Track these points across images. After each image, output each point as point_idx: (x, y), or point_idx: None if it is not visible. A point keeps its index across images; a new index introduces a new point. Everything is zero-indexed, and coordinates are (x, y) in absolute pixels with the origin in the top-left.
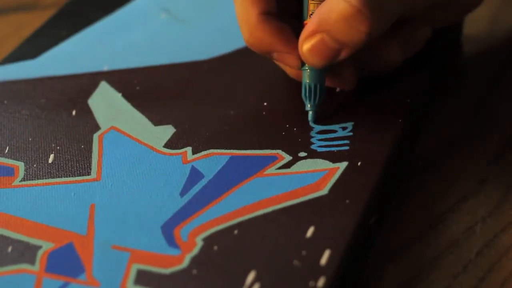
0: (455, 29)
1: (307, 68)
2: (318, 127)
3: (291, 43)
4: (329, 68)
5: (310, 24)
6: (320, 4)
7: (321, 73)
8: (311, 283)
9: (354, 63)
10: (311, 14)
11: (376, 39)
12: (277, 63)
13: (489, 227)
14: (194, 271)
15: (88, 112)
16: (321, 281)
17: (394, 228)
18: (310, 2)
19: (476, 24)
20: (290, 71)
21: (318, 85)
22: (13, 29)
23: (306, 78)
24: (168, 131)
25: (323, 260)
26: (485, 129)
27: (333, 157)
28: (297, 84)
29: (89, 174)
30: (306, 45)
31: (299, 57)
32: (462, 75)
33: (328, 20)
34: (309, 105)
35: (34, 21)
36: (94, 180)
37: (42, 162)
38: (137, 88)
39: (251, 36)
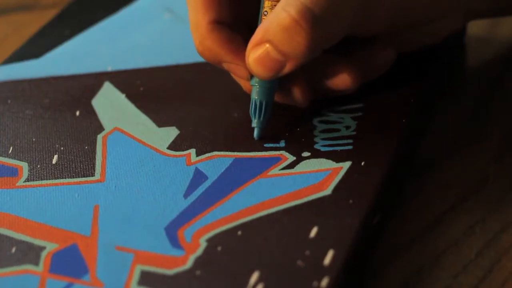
0: None
1: (256, 84)
2: (322, 126)
3: (240, 54)
4: (278, 86)
5: (256, 33)
6: None
7: (269, 90)
8: (314, 283)
9: (306, 81)
10: None
11: (329, 59)
12: (233, 76)
13: (489, 227)
14: (198, 272)
15: (92, 112)
16: (324, 281)
17: (394, 228)
18: (262, 17)
19: (476, 24)
20: (244, 84)
21: (264, 103)
22: (13, 29)
23: (255, 94)
24: (172, 132)
25: (327, 260)
26: (485, 129)
27: (337, 157)
28: None
29: (93, 175)
30: (252, 55)
31: (247, 68)
32: (462, 75)
33: (270, 29)
34: (255, 122)
35: (34, 21)
36: (98, 181)
37: (46, 163)
38: (141, 89)
39: (200, 44)
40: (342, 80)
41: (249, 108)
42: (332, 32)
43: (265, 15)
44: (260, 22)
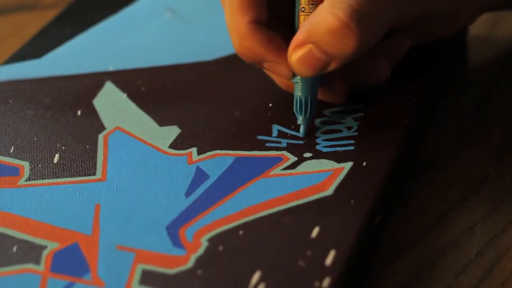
0: None
1: (299, 81)
2: (323, 127)
3: (282, 52)
4: (321, 82)
5: (299, 34)
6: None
7: (313, 86)
8: (316, 284)
9: (344, 76)
10: None
11: (364, 53)
12: (268, 73)
13: (489, 227)
14: (199, 272)
15: (93, 112)
16: (326, 282)
17: (394, 228)
18: (300, 14)
19: (477, 24)
20: (280, 81)
21: (309, 99)
22: (13, 29)
23: (298, 91)
24: (173, 131)
25: (328, 260)
26: (485, 129)
27: (338, 157)
28: None
29: (94, 174)
30: (294, 56)
31: (289, 67)
32: (463, 75)
33: (316, 32)
34: (301, 119)
35: (34, 21)
36: (99, 180)
37: (47, 162)
38: (142, 88)
39: (241, 45)
40: (379, 72)
41: (251, 109)
42: (378, 30)
43: (302, 11)
44: (298, 18)
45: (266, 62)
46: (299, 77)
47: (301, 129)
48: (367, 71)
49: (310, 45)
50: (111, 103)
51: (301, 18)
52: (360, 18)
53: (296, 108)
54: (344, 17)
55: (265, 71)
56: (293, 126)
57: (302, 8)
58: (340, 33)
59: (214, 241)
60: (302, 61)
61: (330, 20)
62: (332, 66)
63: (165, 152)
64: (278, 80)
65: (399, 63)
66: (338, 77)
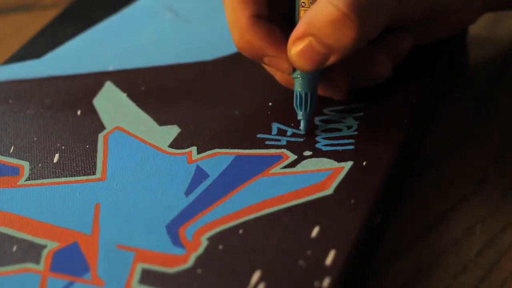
0: None
1: (299, 76)
2: (323, 126)
3: (282, 46)
4: (321, 77)
5: (298, 27)
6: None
7: (313, 81)
8: (316, 283)
9: (346, 72)
10: None
11: (365, 49)
12: (267, 69)
13: (489, 227)
14: (199, 271)
15: (93, 112)
16: (326, 281)
17: (394, 228)
18: (300, 8)
19: (477, 24)
20: (280, 77)
21: (309, 94)
22: (12, 29)
23: (298, 87)
24: (173, 131)
25: (328, 260)
26: (485, 129)
27: (338, 156)
28: None
29: (94, 173)
30: (294, 49)
31: (289, 61)
32: (464, 75)
33: (316, 23)
34: (301, 114)
35: (34, 21)
36: (99, 179)
37: (47, 162)
38: (142, 88)
39: (241, 39)
40: (380, 69)
41: (250, 107)
42: (378, 22)
43: (302, 6)
44: (298, 14)
45: (266, 56)
46: (299, 72)
47: (302, 124)
48: (367, 66)
49: (310, 38)
50: (111, 103)
51: (301, 12)
52: (360, 9)
53: (296, 103)
54: (343, 7)
55: (265, 67)
56: (292, 124)
57: (302, 3)
58: (339, 23)
59: (214, 240)
60: (302, 54)
61: (329, 11)
62: (332, 59)
63: (165, 151)
64: (278, 76)
65: (400, 61)
66: (339, 72)
